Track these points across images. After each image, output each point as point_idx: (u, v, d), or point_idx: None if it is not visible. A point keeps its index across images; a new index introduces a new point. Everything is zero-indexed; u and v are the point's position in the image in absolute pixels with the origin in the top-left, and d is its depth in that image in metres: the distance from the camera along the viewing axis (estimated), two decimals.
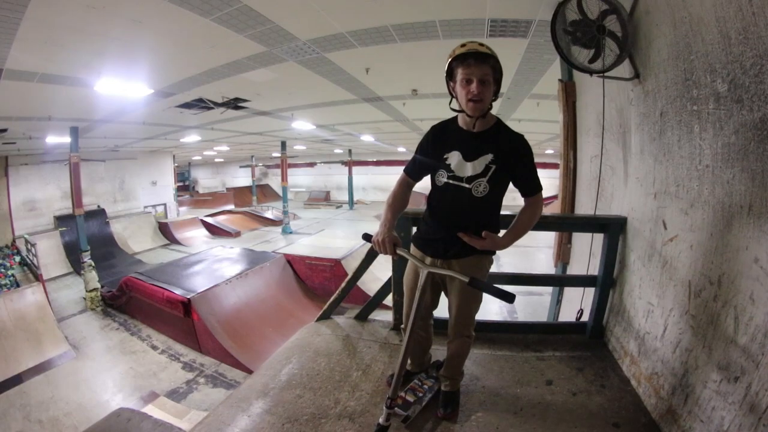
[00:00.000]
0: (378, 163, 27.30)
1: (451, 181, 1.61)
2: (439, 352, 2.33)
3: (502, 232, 1.69)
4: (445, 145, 1.64)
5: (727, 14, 1.31)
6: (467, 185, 1.58)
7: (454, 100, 1.61)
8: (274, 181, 29.62)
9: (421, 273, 1.58)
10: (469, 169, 1.58)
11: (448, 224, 1.67)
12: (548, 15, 2.25)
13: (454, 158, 1.61)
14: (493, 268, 1.90)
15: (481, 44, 1.47)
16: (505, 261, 12.74)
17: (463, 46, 1.48)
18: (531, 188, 1.62)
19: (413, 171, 1.76)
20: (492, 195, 1.59)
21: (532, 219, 1.65)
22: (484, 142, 1.57)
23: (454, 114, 1.67)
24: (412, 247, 1.81)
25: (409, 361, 2.02)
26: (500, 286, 1.38)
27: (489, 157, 1.55)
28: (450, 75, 1.57)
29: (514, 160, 1.57)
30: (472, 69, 1.45)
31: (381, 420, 1.54)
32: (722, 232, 1.39)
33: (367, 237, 1.69)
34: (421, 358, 2.08)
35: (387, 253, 1.62)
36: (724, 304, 1.36)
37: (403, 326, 1.87)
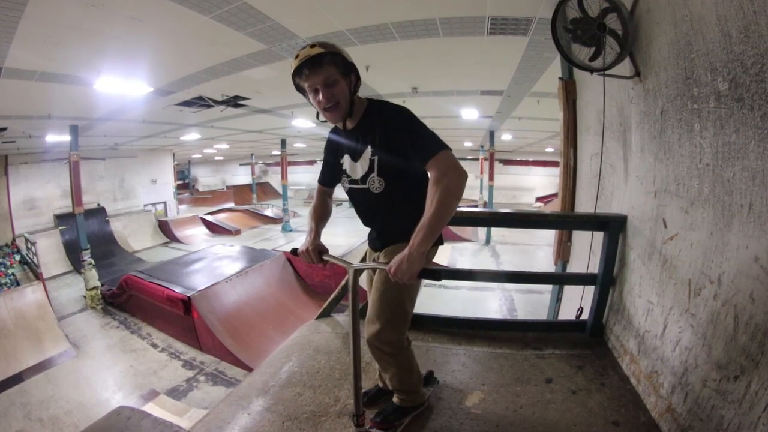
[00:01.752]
0: None
1: (352, 186, 1.55)
2: (433, 356, 2.34)
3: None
4: (338, 151, 1.59)
5: (728, 13, 1.31)
6: (363, 185, 1.50)
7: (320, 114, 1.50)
8: (274, 179, 29.60)
9: (348, 274, 1.42)
10: (358, 169, 1.50)
11: (371, 224, 1.64)
12: (549, 13, 2.25)
13: (346, 162, 1.55)
14: (493, 267, 1.90)
15: (313, 45, 1.33)
16: (505, 259, 12.77)
17: (296, 57, 1.35)
18: (422, 151, 1.31)
19: (324, 179, 1.72)
20: (393, 187, 1.46)
21: (440, 203, 1.25)
22: (360, 138, 1.48)
23: None
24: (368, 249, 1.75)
25: (379, 379, 1.87)
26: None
27: (368, 150, 1.45)
28: (302, 90, 1.45)
29: (389, 136, 1.40)
30: (312, 78, 1.34)
31: None
32: (722, 230, 1.39)
33: (294, 251, 1.64)
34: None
35: (314, 262, 1.56)
36: (723, 303, 1.36)
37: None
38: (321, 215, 1.70)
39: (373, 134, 1.42)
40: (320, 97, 1.36)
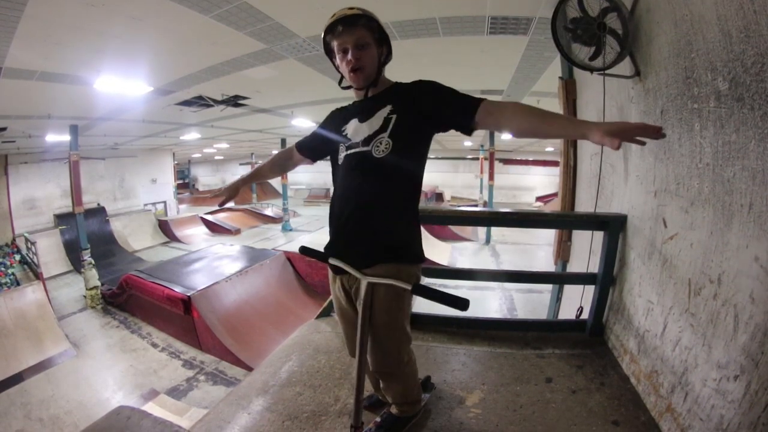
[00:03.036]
0: None
1: (349, 151, 1.37)
2: (432, 355, 2.34)
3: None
4: (344, 119, 1.45)
5: (728, 12, 1.31)
6: (366, 147, 1.32)
7: (343, 79, 1.41)
8: (274, 179, 29.60)
9: (360, 287, 1.31)
10: (365, 129, 1.34)
11: (344, 205, 1.37)
12: (549, 12, 2.25)
13: (351, 126, 1.40)
14: (493, 266, 1.89)
15: (351, 8, 1.30)
16: (505, 259, 12.77)
17: (333, 16, 1.31)
18: (466, 102, 1.24)
19: (305, 145, 1.60)
20: (397, 156, 1.28)
21: (522, 106, 1.19)
22: (380, 100, 1.36)
23: None
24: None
25: (377, 393, 1.80)
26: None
27: (387, 108, 1.32)
28: (329, 52, 1.39)
29: (420, 98, 1.30)
30: (345, 37, 1.29)
31: None
32: (722, 230, 1.39)
33: (303, 249, 1.55)
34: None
35: (223, 197, 1.58)
36: (723, 303, 1.36)
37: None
38: (265, 173, 1.68)
39: (398, 97, 1.34)
40: (349, 56, 1.30)
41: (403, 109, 1.30)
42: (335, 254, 1.40)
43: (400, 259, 1.32)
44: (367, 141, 1.32)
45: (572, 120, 1.14)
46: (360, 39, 1.29)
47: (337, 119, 1.48)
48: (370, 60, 1.32)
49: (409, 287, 1.21)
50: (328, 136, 1.48)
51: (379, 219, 1.31)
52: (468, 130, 1.25)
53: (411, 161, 1.33)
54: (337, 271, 1.43)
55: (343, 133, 1.41)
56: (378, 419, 1.66)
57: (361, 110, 1.39)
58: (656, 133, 0.95)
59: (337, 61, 1.36)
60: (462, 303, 1.10)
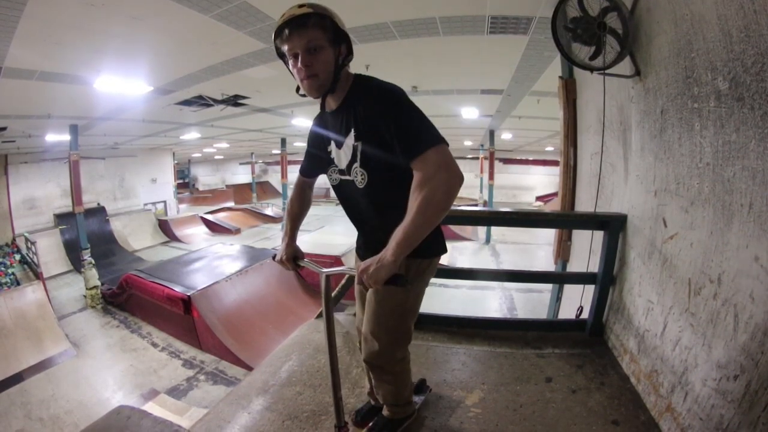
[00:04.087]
0: None
1: (340, 177, 1.33)
2: (432, 355, 2.34)
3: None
4: (323, 138, 1.36)
5: (728, 12, 1.31)
6: (348, 176, 1.29)
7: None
8: (274, 178, 29.61)
9: (320, 279, 1.31)
10: (342, 157, 1.28)
11: (360, 227, 1.44)
12: (549, 12, 2.25)
13: (333, 150, 1.33)
14: (493, 265, 1.89)
15: (301, 5, 1.14)
16: (505, 258, 12.77)
17: (282, 16, 1.15)
18: (409, 145, 1.10)
19: (305, 167, 1.53)
20: (377, 184, 1.24)
21: (424, 209, 1.05)
22: (343, 120, 1.24)
23: None
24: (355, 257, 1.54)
25: (370, 396, 1.78)
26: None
27: (352, 135, 1.22)
28: (283, 56, 1.23)
29: (372, 121, 1.16)
30: (294, 40, 1.14)
31: None
32: (722, 230, 1.39)
33: (274, 257, 1.53)
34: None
35: (290, 269, 1.48)
36: (723, 303, 1.36)
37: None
38: (298, 212, 1.56)
39: (357, 116, 1.20)
40: (299, 63, 1.15)
41: (366, 137, 1.20)
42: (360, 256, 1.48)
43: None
44: (347, 170, 1.28)
45: (403, 246, 1.05)
46: (311, 42, 1.13)
47: (318, 140, 1.40)
48: (323, 66, 1.17)
49: (354, 272, 1.17)
50: (318, 156, 1.41)
51: (376, 230, 1.32)
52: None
53: (394, 180, 1.22)
54: None
55: (330, 155, 1.35)
56: (371, 424, 1.64)
57: (333, 131, 1.31)
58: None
59: (290, 66, 1.22)
60: (401, 279, 1.10)
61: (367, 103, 1.18)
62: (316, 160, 1.43)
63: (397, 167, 1.17)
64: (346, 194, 1.35)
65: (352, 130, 1.21)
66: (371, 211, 1.32)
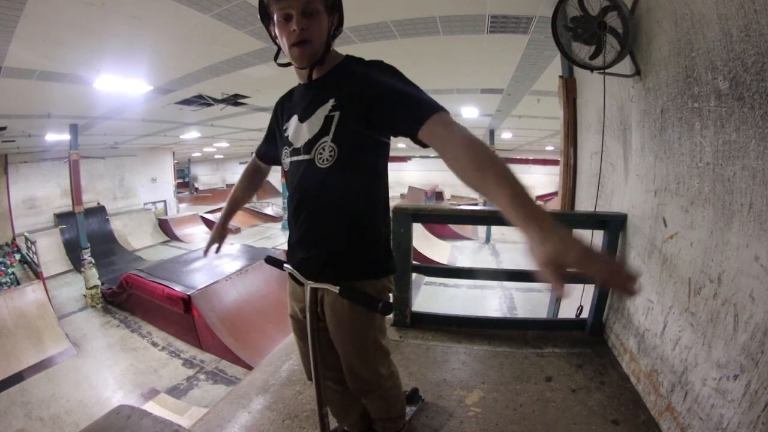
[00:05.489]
0: None
1: (292, 159, 1.13)
2: (432, 354, 2.34)
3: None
4: (284, 112, 1.20)
5: (728, 11, 1.31)
6: (307, 155, 1.08)
7: (280, 53, 1.13)
8: (274, 177, 29.45)
9: (305, 292, 1.16)
10: (305, 131, 1.09)
11: (302, 220, 1.16)
12: (549, 11, 2.25)
13: (291, 126, 1.15)
14: (493, 264, 1.89)
15: None
16: (505, 257, 12.77)
17: None
18: (416, 112, 0.92)
19: (262, 151, 1.41)
20: (346, 162, 1.05)
21: (475, 149, 0.81)
22: (322, 89, 1.09)
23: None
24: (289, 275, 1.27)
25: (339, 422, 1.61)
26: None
27: (329, 104, 1.05)
28: (266, 17, 1.09)
29: (366, 88, 1.01)
30: (289, 0, 1.00)
31: None
32: (722, 229, 1.39)
33: (269, 259, 1.40)
34: (350, 416, 1.53)
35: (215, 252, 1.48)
36: (723, 302, 1.36)
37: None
38: (240, 196, 1.48)
39: (342, 84, 1.06)
40: (293, 25, 1.00)
41: (348, 106, 1.03)
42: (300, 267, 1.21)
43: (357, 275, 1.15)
44: (308, 147, 1.08)
45: (530, 207, 0.72)
46: (309, 4, 1.00)
47: (279, 113, 1.24)
48: (318, 31, 1.03)
49: (336, 289, 1.05)
50: (272, 139, 1.28)
51: (333, 241, 1.12)
52: (416, 142, 0.94)
53: (363, 171, 1.09)
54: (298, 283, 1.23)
55: (285, 134, 1.17)
56: None
57: (302, 102, 1.13)
58: (628, 290, 0.63)
59: (275, 30, 1.06)
60: (377, 305, 0.98)
61: (359, 72, 1.06)
62: (271, 139, 1.30)
63: (370, 149, 1.07)
64: (297, 181, 1.12)
65: (332, 100, 1.05)
66: (327, 195, 1.09)
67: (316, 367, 1.19)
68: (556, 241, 0.65)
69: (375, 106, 0.99)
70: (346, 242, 1.10)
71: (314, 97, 1.09)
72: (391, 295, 1.26)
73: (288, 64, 1.12)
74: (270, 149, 1.33)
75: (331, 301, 1.14)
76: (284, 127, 1.18)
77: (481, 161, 0.79)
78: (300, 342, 1.34)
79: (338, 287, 1.05)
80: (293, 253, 1.23)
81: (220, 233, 1.49)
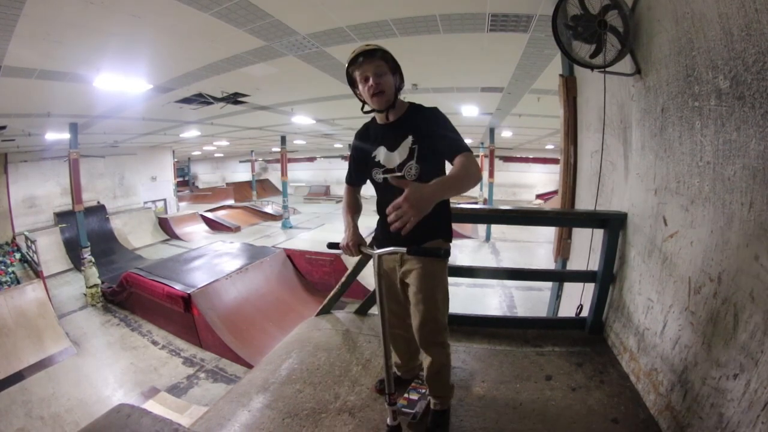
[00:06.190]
0: None
1: (386, 176, 1.62)
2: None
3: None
4: (372, 144, 1.69)
5: (729, 10, 1.30)
6: (399, 173, 1.61)
7: (365, 104, 1.65)
8: (274, 176, 29.58)
9: (373, 261, 1.56)
10: (396, 158, 1.61)
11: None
12: (549, 10, 2.24)
13: (381, 153, 1.65)
14: (493, 263, 1.90)
15: (368, 44, 1.54)
16: (504, 256, 12.77)
17: (353, 52, 1.55)
18: (453, 148, 1.50)
19: (352, 179, 1.85)
20: (426, 176, 1.51)
21: (463, 172, 1.42)
22: (401, 128, 1.61)
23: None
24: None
25: (396, 368, 1.96)
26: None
27: (409, 139, 1.58)
28: (352, 83, 1.62)
29: (432, 129, 1.56)
30: (365, 66, 1.52)
31: (388, 421, 1.51)
32: (723, 228, 1.39)
33: (333, 245, 1.73)
34: (407, 362, 1.98)
35: (353, 255, 1.69)
36: (723, 301, 1.36)
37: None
38: (355, 209, 1.82)
39: (416, 126, 1.58)
40: (371, 82, 1.51)
41: (422, 139, 1.56)
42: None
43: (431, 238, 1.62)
44: (400, 167, 1.60)
45: (444, 189, 1.34)
46: (379, 68, 1.52)
47: (365, 146, 1.71)
48: (388, 85, 1.54)
49: (404, 249, 1.43)
50: (363, 163, 1.71)
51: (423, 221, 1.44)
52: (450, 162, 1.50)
53: (437, 173, 1.57)
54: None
55: (375, 159, 1.66)
56: (428, 422, 1.73)
57: (386, 137, 1.63)
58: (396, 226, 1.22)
59: (360, 89, 1.58)
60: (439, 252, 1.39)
61: (424, 117, 1.59)
62: (361, 169, 1.75)
63: (438, 162, 1.59)
64: (391, 189, 1.49)
65: (410, 136, 1.57)
66: None
67: (383, 321, 1.52)
68: (413, 189, 1.21)
69: (435, 139, 1.54)
70: (423, 225, 1.39)
71: (397, 134, 1.60)
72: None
73: (371, 111, 1.65)
74: (359, 175, 1.81)
75: (408, 261, 1.63)
76: (373, 155, 1.67)
77: (462, 177, 1.40)
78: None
79: (405, 248, 1.42)
80: (380, 243, 1.68)
81: (359, 237, 1.72)
